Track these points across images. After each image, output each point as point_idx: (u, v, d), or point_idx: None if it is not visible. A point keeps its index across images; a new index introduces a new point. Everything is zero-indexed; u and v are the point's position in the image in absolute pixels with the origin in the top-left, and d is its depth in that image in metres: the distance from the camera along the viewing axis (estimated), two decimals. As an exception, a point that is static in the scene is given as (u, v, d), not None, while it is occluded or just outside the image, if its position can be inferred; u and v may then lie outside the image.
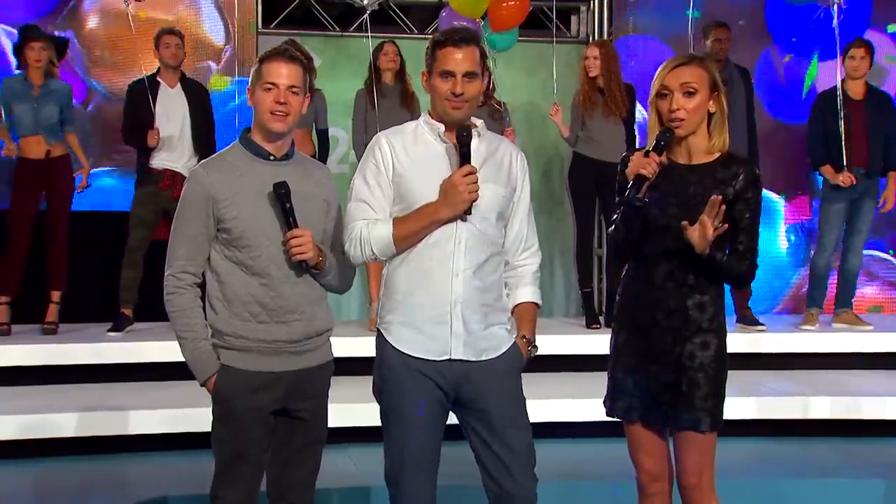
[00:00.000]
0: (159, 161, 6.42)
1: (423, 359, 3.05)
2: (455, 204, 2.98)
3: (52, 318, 6.37)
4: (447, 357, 3.05)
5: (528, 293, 3.23)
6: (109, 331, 6.25)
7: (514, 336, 3.18)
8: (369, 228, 3.04)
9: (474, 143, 3.06)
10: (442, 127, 3.07)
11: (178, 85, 6.53)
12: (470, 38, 3.04)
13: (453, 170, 3.01)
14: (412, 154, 3.07)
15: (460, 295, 3.03)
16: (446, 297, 3.02)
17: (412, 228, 3.02)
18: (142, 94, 6.41)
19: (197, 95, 6.58)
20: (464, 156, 3.00)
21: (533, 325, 3.24)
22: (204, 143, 6.48)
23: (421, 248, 3.04)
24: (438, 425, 3.12)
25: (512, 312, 3.23)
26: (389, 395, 3.11)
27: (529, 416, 3.19)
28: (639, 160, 3.06)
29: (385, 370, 3.11)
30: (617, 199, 3.21)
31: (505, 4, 6.58)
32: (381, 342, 3.13)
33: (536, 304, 3.24)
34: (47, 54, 6.33)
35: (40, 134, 6.31)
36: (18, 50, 6.38)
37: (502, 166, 3.14)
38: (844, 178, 6.61)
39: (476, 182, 2.97)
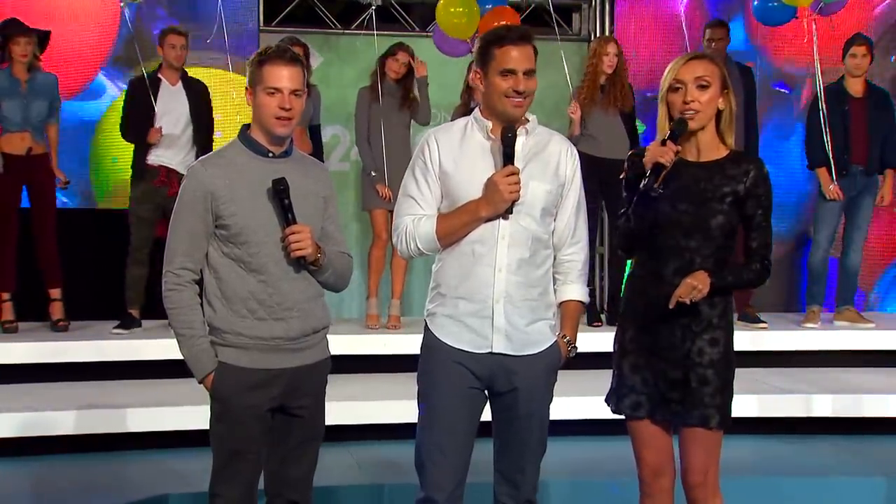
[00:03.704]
0: (156, 157, 6.38)
1: (464, 350, 3.11)
2: (496, 203, 3.02)
3: (59, 316, 6.36)
4: (488, 350, 3.10)
5: (572, 291, 3.24)
6: (115, 329, 6.23)
7: (557, 334, 3.21)
8: (415, 224, 3.11)
9: (522, 139, 3.10)
10: (490, 124, 3.10)
11: (179, 83, 6.50)
12: (527, 35, 3.08)
13: (497, 168, 3.05)
14: (459, 151, 3.11)
15: (503, 290, 3.07)
16: (488, 291, 3.07)
17: (454, 225, 3.08)
18: (142, 91, 6.39)
19: (198, 93, 6.56)
20: (507, 156, 3.03)
21: (575, 325, 3.26)
22: (204, 141, 6.46)
23: (465, 244, 3.09)
24: (470, 417, 3.15)
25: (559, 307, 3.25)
26: (425, 382, 3.18)
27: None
28: (656, 149, 3.08)
29: (425, 358, 3.19)
30: (625, 194, 3.21)
31: (497, 23, 6.55)
32: (426, 331, 3.19)
33: (581, 302, 3.25)
34: (32, 48, 6.29)
35: (27, 130, 6.28)
36: (1, 45, 6.29)
37: (549, 162, 3.15)
38: (833, 191, 6.66)
39: (518, 182, 3.00)
